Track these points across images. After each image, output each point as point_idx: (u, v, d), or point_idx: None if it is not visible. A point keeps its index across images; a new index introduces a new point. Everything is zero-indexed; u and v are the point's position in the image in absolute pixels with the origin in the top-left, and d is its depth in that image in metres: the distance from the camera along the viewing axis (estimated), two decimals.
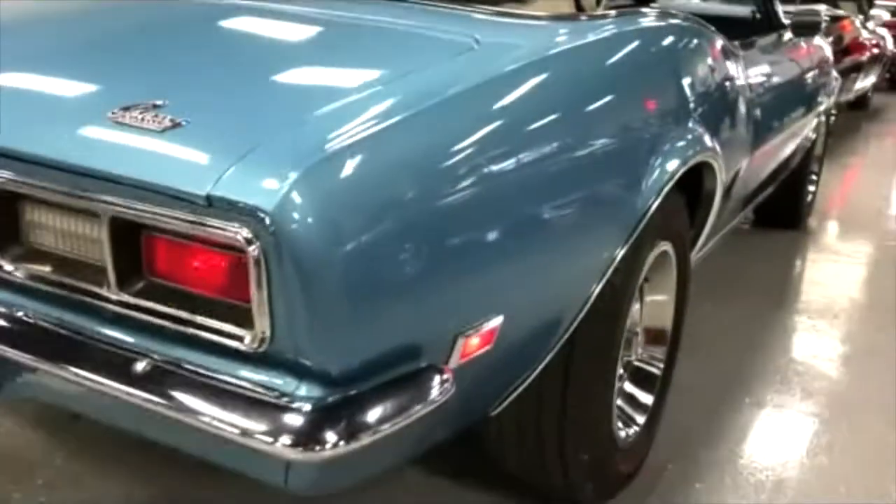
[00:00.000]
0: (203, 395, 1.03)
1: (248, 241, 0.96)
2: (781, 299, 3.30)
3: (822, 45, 3.79)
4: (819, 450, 2.14)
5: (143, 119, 1.07)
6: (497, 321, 1.22)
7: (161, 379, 1.05)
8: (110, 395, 1.09)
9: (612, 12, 1.69)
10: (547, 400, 1.54)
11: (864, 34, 7.60)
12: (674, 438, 2.05)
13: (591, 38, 1.53)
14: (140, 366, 1.07)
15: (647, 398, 1.93)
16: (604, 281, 1.45)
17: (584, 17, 1.68)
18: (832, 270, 3.75)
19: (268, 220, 0.93)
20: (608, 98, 1.46)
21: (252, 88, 1.21)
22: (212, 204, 0.96)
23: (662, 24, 1.76)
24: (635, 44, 1.60)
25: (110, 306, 1.11)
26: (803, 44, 3.33)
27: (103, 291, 1.11)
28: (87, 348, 1.12)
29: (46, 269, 1.17)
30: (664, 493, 1.91)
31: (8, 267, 1.19)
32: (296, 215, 0.94)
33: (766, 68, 2.65)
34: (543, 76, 1.34)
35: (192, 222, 0.99)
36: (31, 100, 1.23)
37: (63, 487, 1.87)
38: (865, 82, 7.86)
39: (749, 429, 2.24)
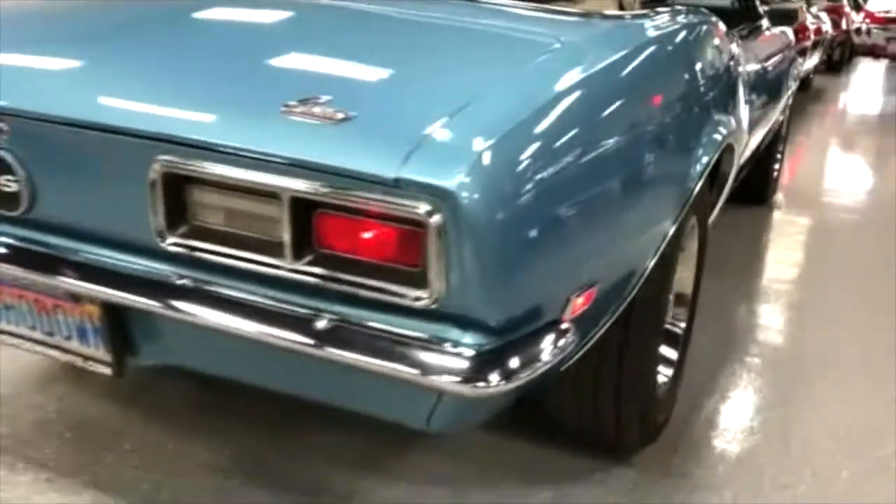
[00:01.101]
0: (380, 345, 1.21)
1: (429, 214, 1.14)
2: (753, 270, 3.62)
3: (788, 31, 4.09)
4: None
5: (316, 112, 1.24)
6: (596, 283, 1.43)
7: (340, 333, 1.23)
8: (286, 351, 1.27)
9: (650, 11, 1.89)
10: (608, 355, 1.75)
11: (809, 19, 8.02)
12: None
13: (650, 35, 1.74)
14: (321, 323, 1.25)
15: (673, 354, 2.17)
16: (660, 251, 1.67)
17: (628, 16, 1.87)
18: (796, 239, 4.10)
19: (450, 197, 1.12)
20: (675, 89, 1.68)
21: (396, 80, 1.39)
22: (398, 185, 1.14)
23: (697, 20, 1.98)
24: (685, 39, 1.81)
25: (285, 274, 1.28)
26: (777, 31, 3.62)
27: (280, 262, 1.27)
28: (265, 311, 1.29)
29: (214, 245, 1.33)
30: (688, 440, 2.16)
31: (175, 244, 1.35)
32: (473, 193, 1.12)
33: (752, 55, 2.91)
34: (625, 72, 1.55)
35: (377, 200, 1.17)
36: (209, 95, 1.38)
37: (150, 451, 2.02)
38: (809, 65, 8.29)
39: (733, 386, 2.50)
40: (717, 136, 1.88)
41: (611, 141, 1.43)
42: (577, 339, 1.31)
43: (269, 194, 1.26)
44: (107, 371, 1.56)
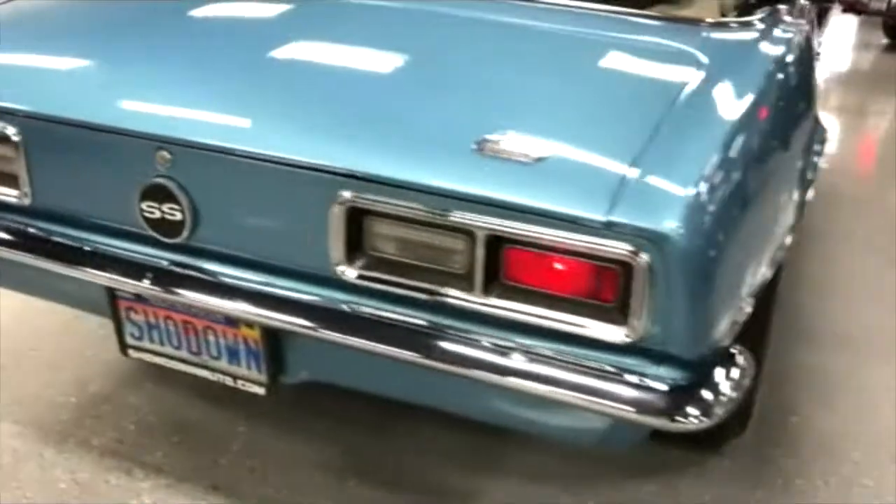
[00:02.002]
0: (578, 379, 1.26)
1: (636, 255, 1.18)
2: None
3: None
4: None
5: (510, 150, 1.26)
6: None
7: (536, 366, 1.27)
8: (473, 380, 1.31)
9: (754, 19, 1.91)
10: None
11: None
12: None
13: (776, 46, 1.76)
14: (517, 356, 1.29)
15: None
16: (781, 259, 1.73)
17: (735, 24, 1.87)
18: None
19: (664, 240, 1.16)
20: (803, 99, 1.72)
21: (569, 111, 1.41)
22: (608, 227, 1.18)
23: (800, 26, 2.01)
24: (799, 45, 1.84)
25: (470, 306, 1.31)
26: None
27: (468, 295, 1.31)
28: (449, 342, 1.33)
29: (395, 275, 1.36)
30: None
31: (353, 273, 1.37)
32: (685, 235, 1.16)
33: None
34: (770, 90, 1.58)
35: (581, 241, 1.20)
36: (395, 129, 1.40)
37: (260, 452, 2.05)
38: None
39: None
40: (820, 144, 1.94)
41: (770, 163, 1.47)
42: (753, 363, 1.36)
43: (457, 229, 1.28)
44: (260, 391, 1.59)
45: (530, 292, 1.29)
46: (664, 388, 1.23)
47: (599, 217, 1.18)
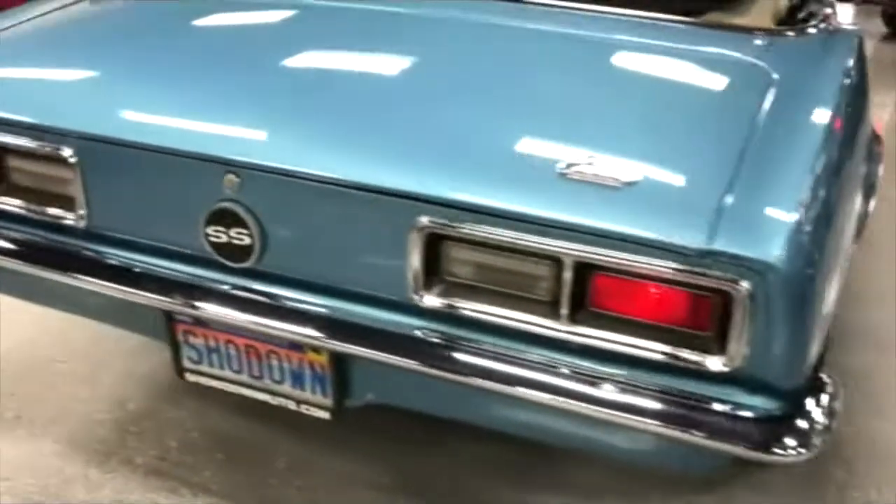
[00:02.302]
0: (669, 407, 1.23)
1: (736, 283, 1.15)
2: None
3: None
4: None
5: (597, 175, 1.23)
6: None
7: (629, 397, 1.24)
8: (567, 411, 1.28)
9: (809, 26, 1.88)
10: None
11: None
12: None
13: (840, 57, 1.73)
14: (605, 386, 1.25)
15: None
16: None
17: (792, 33, 1.84)
18: None
19: (767, 270, 1.13)
20: (864, 104, 1.69)
21: (649, 131, 1.37)
22: (706, 256, 1.14)
23: (855, 31, 1.97)
24: (857, 55, 1.81)
25: (557, 334, 1.28)
26: None
27: (553, 323, 1.27)
28: (533, 371, 1.29)
29: (475, 302, 1.32)
30: None
31: (430, 299, 1.34)
32: (788, 264, 1.13)
33: None
34: (842, 105, 1.54)
35: (676, 269, 1.17)
36: (474, 152, 1.36)
37: (307, 470, 2.02)
38: None
39: None
40: (878, 150, 1.91)
41: (846, 176, 1.44)
42: (839, 389, 1.33)
43: (543, 255, 1.25)
44: (324, 415, 1.55)
45: (618, 320, 1.26)
46: (762, 419, 1.20)
47: (700, 246, 1.15)
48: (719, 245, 1.14)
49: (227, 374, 1.60)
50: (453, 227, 1.27)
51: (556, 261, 1.25)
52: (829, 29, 1.85)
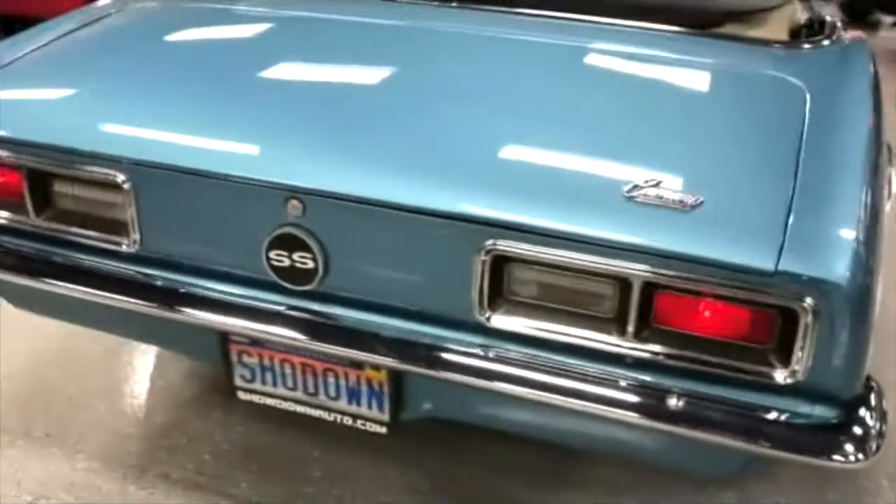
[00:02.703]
0: (741, 423, 1.29)
1: (799, 300, 1.21)
2: None
3: None
4: None
5: (664, 198, 1.28)
6: None
7: (694, 410, 1.30)
8: (623, 423, 1.34)
9: (822, 38, 1.95)
10: None
11: None
12: None
13: (861, 66, 1.81)
14: (672, 401, 1.31)
15: None
16: None
17: (807, 46, 1.91)
18: None
19: (833, 288, 1.19)
20: (882, 110, 1.77)
21: (706, 156, 1.43)
22: (774, 276, 1.21)
23: (866, 41, 2.05)
24: (872, 64, 1.88)
25: (621, 350, 1.33)
26: None
27: (618, 339, 1.33)
28: (599, 386, 1.35)
29: (538, 321, 1.37)
30: None
31: (496, 319, 1.39)
32: (851, 282, 1.20)
33: None
34: (870, 106, 1.62)
35: (744, 288, 1.23)
36: (540, 176, 1.41)
37: (342, 478, 2.06)
38: None
39: None
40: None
41: (882, 185, 1.51)
42: (882, 391, 1.41)
43: (607, 275, 1.30)
44: (381, 429, 1.59)
45: (682, 336, 1.32)
46: (824, 428, 1.27)
47: (769, 267, 1.21)
48: (787, 266, 1.20)
49: (281, 391, 1.63)
50: (521, 250, 1.32)
51: (622, 280, 1.30)
52: (841, 40, 1.92)
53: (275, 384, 1.62)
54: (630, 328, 1.32)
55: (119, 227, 1.58)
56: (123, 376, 2.42)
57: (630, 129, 1.51)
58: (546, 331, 1.37)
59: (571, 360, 1.37)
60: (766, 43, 1.90)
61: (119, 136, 1.56)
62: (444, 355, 1.42)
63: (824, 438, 1.28)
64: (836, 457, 1.27)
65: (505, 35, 1.87)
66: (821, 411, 1.29)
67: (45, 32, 1.93)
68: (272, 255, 1.45)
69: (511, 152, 1.46)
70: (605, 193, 1.33)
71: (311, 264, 1.44)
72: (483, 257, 1.34)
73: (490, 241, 1.33)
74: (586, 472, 2.11)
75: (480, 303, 1.38)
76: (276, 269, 1.47)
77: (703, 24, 2.01)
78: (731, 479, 2.10)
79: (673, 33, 1.91)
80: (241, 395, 1.66)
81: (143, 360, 2.49)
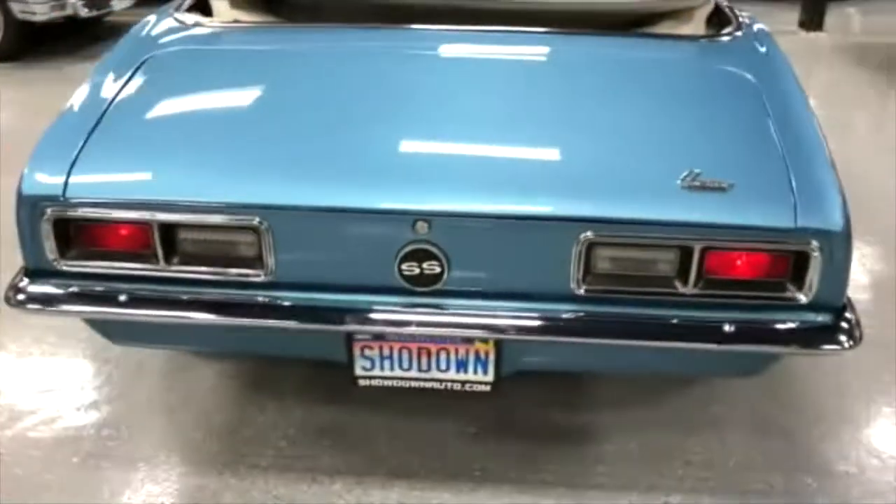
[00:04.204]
0: (770, 332, 1.82)
1: (808, 244, 1.74)
2: None
3: None
4: None
5: (708, 184, 1.76)
6: None
7: (741, 331, 1.81)
8: (692, 351, 1.84)
9: (733, 30, 2.44)
10: None
11: None
12: None
13: (774, 49, 2.34)
14: (727, 327, 1.81)
15: None
16: None
17: (726, 38, 2.36)
18: None
19: (833, 235, 1.73)
20: None
21: (721, 146, 1.91)
22: (794, 231, 1.72)
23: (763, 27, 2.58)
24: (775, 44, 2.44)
25: (684, 298, 1.81)
26: None
27: (682, 289, 1.80)
28: (668, 327, 1.83)
29: (618, 285, 1.83)
30: None
31: (588, 289, 1.82)
32: (843, 228, 1.74)
33: None
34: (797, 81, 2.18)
35: (772, 241, 1.74)
36: (618, 177, 1.84)
37: (406, 436, 2.43)
38: None
39: None
40: None
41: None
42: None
43: (673, 245, 1.77)
44: (485, 388, 2.00)
45: (725, 281, 1.82)
46: (831, 327, 1.83)
47: (791, 225, 1.73)
48: (803, 223, 1.73)
49: (397, 373, 1.99)
50: (610, 236, 1.76)
51: (683, 248, 1.77)
52: (751, 28, 2.47)
53: (391, 368, 1.98)
54: (691, 282, 1.80)
55: (251, 262, 1.85)
56: (155, 387, 2.64)
57: (650, 131, 1.98)
58: (624, 292, 1.83)
59: (647, 311, 1.84)
60: (704, 38, 2.41)
61: (251, 185, 1.81)
62: (546, 322, 1.84)
63: (829, 335, 1.83)
64: (838, 346, 1.83)
65: (520, 55, 2.27)
66: (823, 318, 1.84)
67: (99, 90, 2.09)
68: (404, 266, 1.80)
69: (583, 161, 1.89)
70: (666, 186, 1.79)
71: (437, 270, 1.80)
72: (580, 246, 1.77)
73: (587, 233, 1.75)
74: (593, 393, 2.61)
75: (575, 279, 1.81)
76: (406, 278, 1.81)
77: (637, 24, 2.49)
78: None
79: (620, 36, 2.38)
80: (361, 383, 2.00)
81: (160, 368, 2.71)
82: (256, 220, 1.79)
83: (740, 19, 2.50)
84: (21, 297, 1.89)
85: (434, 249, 1.78)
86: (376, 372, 1.99)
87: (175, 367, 2.72)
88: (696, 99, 2.13)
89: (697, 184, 1.77)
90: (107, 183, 1.83)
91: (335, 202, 1.78)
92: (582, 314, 1.85)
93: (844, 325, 1.84)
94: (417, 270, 1.80)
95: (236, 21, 2.46)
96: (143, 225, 1.82)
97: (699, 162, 1.83)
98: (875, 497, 2.23)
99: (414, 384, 2.01)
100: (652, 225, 1.75)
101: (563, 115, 2.02)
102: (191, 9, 2.53)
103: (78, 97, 2.08)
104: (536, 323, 1.85)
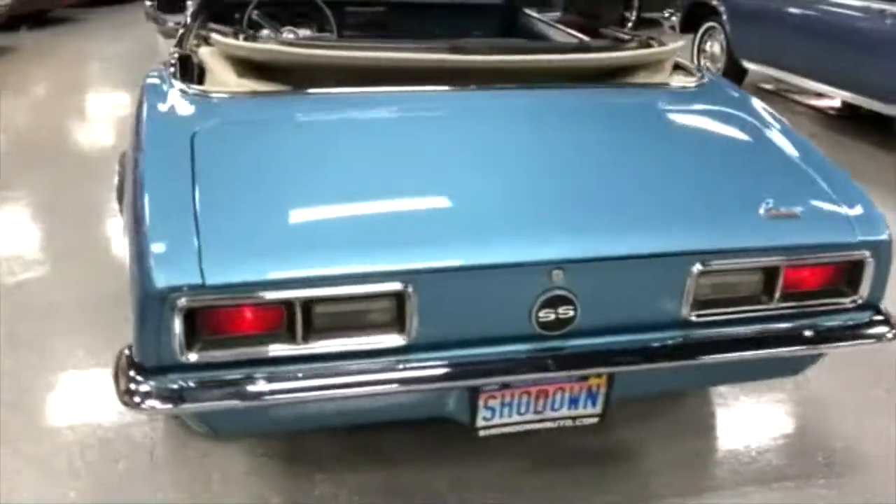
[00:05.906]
0: (839, 331, 2.12)
1: (862, 254, 2.06)
2: None
3: None
4: None
5: (783, 212, 2.04)
6: None
7: (818, 334, 2.10)
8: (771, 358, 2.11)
9: (698, 78, 2.75)
10: None
11: None
12: None
13: (741, 94, 2.72)
14: (807, 332, 2.09)
15: None
16: None
17: (693, 86, 2.70)
18: None
19: (882, 245, 2.07)
20: None
21: (775, 179, 2.20)
22: (855, 245, 2.05)
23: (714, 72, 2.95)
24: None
25: (769, 313, 2.07)
26: None
27: (768, 304, 2.05)
28: (764, 337, 2.08)
29: (720, 308, 2.05)
30: None
31: (696, 314, 2.03)
32: (889, 237, 2.08)
33: None
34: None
35: (837, 254, 2.05)
36: (716, 212, 2.06)
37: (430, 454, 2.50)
38: None
39: None
40: None
41: None
42: None
43: (759, 268, 2.04)
44: (595, 421, 2.14)
45: (797, 293, 2.10)
46: (880, 322, 2.17)
47: (853, 240, 2.05)
48: (861, 237, 2.06)
49: (514, 418, 2.07)
50: (717, 266, 1.99)
51: (767, 270, 2.04)
52: (708, 71, 2.84)
53: (510, 415, 2.06)
54: (776, 297, 2.06)
55: (387, 327, 1.86)
56: (186, 442, 2.57)
57: (703, 171, 2.25)
58: (724, 313, 2.06)
59: (742, 328, 2.08)
60: (683, 86, 2.71)
61: (393, 251, 1.83)
62: (657, 349, 2.03)
63: (878, 329, 2.17)
64: (885, 337, 2.17)
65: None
66: (870, 315, 2.18)
67: (166, 174, 2.00)
68: (541, 314, 1.91)
69: (678, 201, 2.11)
70: (754, 217, 2.05)
71: (571, 314, 1.93)
72: (692, 277, 1.98)
73: (697, 266, 1.97)
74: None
75: (688, 307, 2.01)
76: (542, 325, 1.92)
77: (614, 75, 2.77)
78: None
79: (613, 86, 2.67)
80: (482, 434, 2.07)
81: (189, 456, 2.57)
82: (401, 285, 1.82)
83: (694, 67, 2.86)
84: (148, 399, 1.77)
85: (570, 295, 1.91)
86: (496, 420, 2.06)
87: (195, 455, 2.58)
88: (720, 139, 2.43)
89: (775, 213, 2.05)
90: (243, 265, 1.77)
91: (482, 260, 1.85)
92: (696, 337, 2.05)
93: (887, 319, 2.20)
94: (553, 316, 1.92)
95: (253, 91, 2.42)
96: (280, 304, 1.79)
97: (763, 195, 2.11)
98: None
99: (529, 426, 2.10)
100: (752, 251, 2.00)
101: (628, 161, 2.24)
102: (182, 77, 2.45)
103: (149, 185, 1.97)
104: (657, 352, 2.02)
